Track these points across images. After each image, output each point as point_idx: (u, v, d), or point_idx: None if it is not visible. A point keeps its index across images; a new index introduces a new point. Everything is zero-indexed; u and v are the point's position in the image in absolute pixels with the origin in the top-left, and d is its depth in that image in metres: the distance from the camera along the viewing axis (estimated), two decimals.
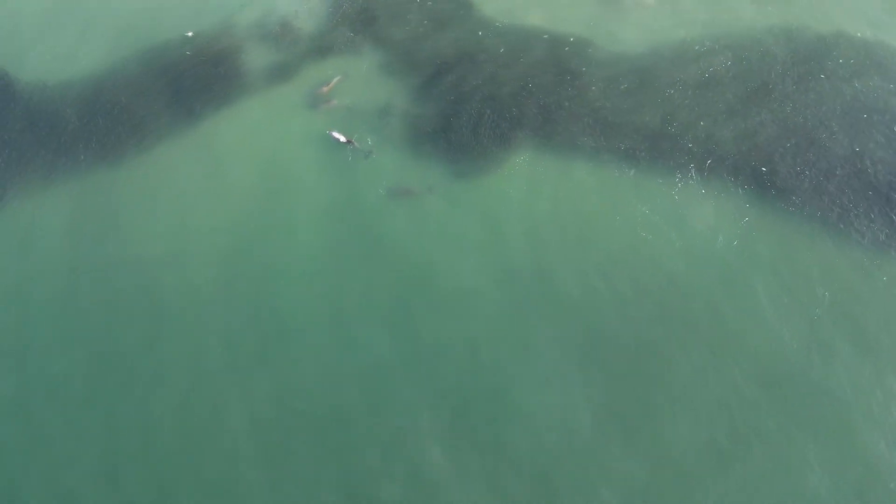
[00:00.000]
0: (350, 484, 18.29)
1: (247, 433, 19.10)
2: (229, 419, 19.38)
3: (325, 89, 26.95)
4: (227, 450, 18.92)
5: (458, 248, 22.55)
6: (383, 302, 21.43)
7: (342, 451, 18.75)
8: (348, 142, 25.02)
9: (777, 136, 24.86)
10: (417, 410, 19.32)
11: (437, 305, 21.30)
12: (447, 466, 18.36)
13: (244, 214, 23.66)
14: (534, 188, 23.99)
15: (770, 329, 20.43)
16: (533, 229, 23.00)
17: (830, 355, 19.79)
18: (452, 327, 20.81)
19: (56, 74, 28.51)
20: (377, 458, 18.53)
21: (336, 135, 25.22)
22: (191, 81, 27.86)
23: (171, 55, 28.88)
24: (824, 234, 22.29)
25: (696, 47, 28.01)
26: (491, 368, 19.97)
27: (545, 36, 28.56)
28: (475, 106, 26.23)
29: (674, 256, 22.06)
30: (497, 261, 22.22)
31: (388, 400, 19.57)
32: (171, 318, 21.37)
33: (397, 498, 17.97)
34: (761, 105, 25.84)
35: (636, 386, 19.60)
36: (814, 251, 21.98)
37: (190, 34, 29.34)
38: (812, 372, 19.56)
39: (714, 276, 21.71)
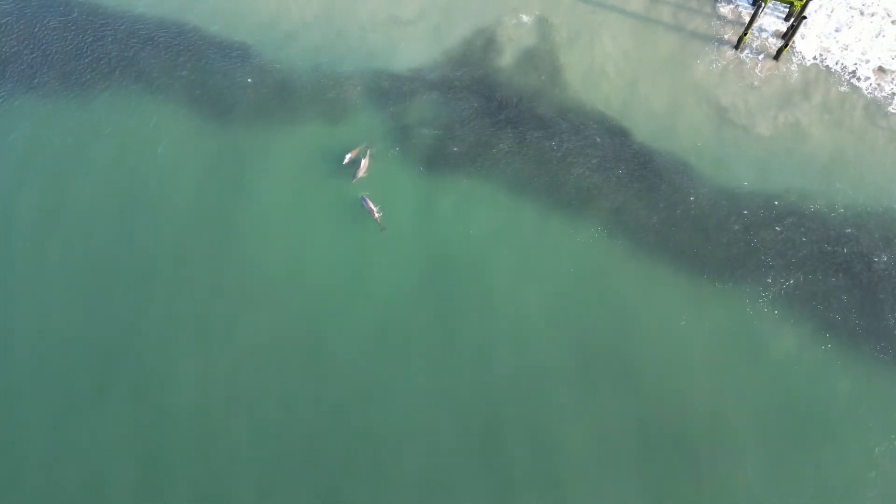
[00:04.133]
0: None
1: None
2: None
3: (353, 154, 27.40)
4: None
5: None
6: None
7: None
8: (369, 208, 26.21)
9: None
10: None
11: None
12: None
13: None
14: (599, 269, 24.95)
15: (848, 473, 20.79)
16: (598, 302, 24.40)
17: None
18: None
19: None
20: None
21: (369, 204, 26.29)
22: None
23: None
24: None
25: (792, 202, 26.29)
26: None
27: (652, 143, 27.55)
28: (553, 187, 27.01)
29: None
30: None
31: None
32: None
33: None
34: (859, 271, 25.33)
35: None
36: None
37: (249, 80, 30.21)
38: None
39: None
